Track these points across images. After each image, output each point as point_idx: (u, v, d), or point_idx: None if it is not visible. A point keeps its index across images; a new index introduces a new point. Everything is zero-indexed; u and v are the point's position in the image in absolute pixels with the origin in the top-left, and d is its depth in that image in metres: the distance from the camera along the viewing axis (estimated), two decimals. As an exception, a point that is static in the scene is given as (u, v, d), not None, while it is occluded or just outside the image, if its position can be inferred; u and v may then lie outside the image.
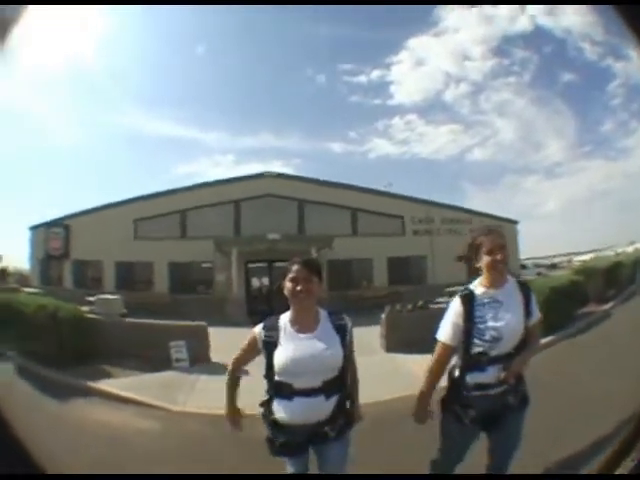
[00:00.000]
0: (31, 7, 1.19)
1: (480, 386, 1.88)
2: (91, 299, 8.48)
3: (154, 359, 6.19)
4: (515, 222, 15.63)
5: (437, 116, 31.12)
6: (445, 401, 2.00)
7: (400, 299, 8.94)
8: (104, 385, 5.28)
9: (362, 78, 28.46)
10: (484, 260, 1.89)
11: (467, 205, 28.21)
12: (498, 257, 1.86)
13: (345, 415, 1.84)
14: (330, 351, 1.74)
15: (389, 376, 5.27)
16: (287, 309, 1.83)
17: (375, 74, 28.83)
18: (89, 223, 15.03)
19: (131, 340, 6.48)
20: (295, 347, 1.74)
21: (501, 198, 27.51)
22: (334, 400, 1.77)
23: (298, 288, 1.74)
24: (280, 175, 14.78)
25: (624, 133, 28.63)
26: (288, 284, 1.76)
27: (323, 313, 1.84)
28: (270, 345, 1.76)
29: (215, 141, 29.44)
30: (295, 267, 1.78)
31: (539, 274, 14.85)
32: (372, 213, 14.65)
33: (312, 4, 18.96)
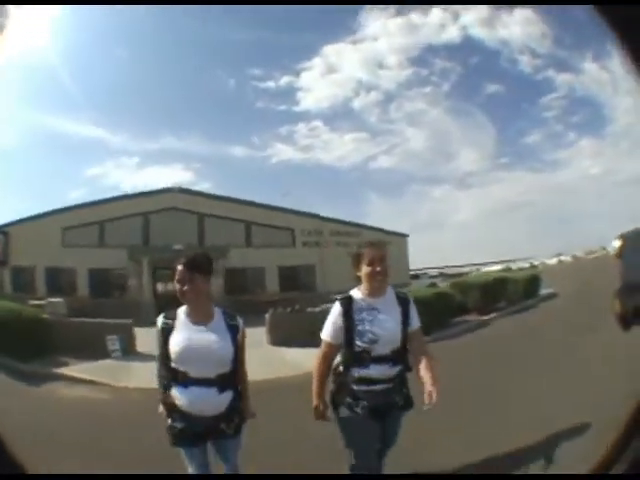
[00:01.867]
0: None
1: (365, 380, 2.03)
2: (37, 302, 10.13)
3: (94, 350, 7.39)
4: (405, 235, 17.02)
5: (343, 123, 30.82)
6: (334, 397, 2.11)
7: (291, 304, 10.31)
8: (63, 370, 6.64)
9: (270, 83, 28.66)
10: (364, 271, 2.04)
11: (369, 212, 29.20)
12: (377, 269, 2.00)
13: (239, 414, 1.98)
14: (221, 344, 1.86)
15: (270, 362, 6.65)
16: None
17: (284, 80, 29.20)
18: (24, 231, 15.96)
19: (75, 335, 7.74)
20: (188, 336, 1.86)
21: (406, 207, 28.19)
22: (228, 396, 1.89)
23: (184, 289, 1.86)
24: (183, 190, 16.17)
25: (556, 145, 29.52)
26: (176, 285, 1.89)
27: (218, 311, 1.97)
28: (166, 331, 1.89)
29: (121, 143, 29.37)
30: (178, 269, 1.88)
31: (433, 284, 16.03)
32: (264, 226, 16.14)
33: (229, 4, 18.81)
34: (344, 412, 2.06)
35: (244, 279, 15.36)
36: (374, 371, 2.02)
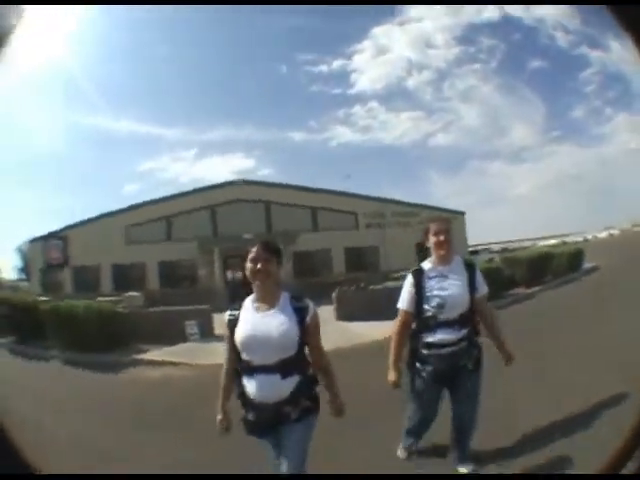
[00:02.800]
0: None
1: (432, 345, 2.22)
2: (104, 299, 10.79)
3: (172, 336, 7.91)
4: (462, 213, 17.40)
5: (399, 103, 30.92)
6: (407, 360, 2.34)
7: (355, 282, 10.95)
8: (146, 355, 7.30)
9: (323, 67, 28.66)
10: (431, 241, 2.32)
11: (429, 189, 29.43)
12: (441, 238, 2.27)
13: (310, 399, 1.88)
14: (284, 327, 1.80)
15: (338, 334, 7.21)
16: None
17: (337, 63, 28.74)
18: (85, 232, 16.84)
19: (154, 324, 8.34)
20: (251, 323, 1.84)
21: (465, 183, 28.34)
22: (293, 381, 1.82)
23: (257, 267, 1.83)
24: (247, 182, 16.82)
25: (598, 120, 29.22)
26: (248, 264, 1.86)
27: (285, 294, 1.91)
28: (232, 323, 1.89)
29: (177, 136, 29.57)
30: (254, 248, 1.88)
31: (490, 260, 16.43)
32: (329, 210, 16.70)
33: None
34: (412, 375, 2.33)
35: (311, 262, 15.99)
36: (440, 335, 2.21)
